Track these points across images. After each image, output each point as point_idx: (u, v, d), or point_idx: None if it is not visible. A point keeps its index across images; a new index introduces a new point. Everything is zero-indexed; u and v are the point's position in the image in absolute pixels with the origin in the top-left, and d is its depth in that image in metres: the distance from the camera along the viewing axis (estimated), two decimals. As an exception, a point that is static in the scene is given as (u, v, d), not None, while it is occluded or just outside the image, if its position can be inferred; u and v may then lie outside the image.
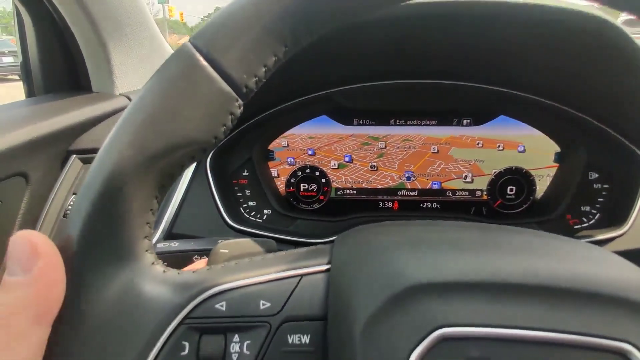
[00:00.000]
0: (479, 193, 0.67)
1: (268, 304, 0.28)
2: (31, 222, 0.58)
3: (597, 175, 0.61)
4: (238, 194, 0.66)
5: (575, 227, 0.61)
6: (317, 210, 0.70)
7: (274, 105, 0.65)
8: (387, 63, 0.61)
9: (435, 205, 0.68)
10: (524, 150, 0.65)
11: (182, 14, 22.50)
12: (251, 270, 0.29)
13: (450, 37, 0.54)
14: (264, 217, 0.66)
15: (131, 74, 0.77)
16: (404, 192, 0.68)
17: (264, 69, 0.27)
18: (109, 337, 0.25)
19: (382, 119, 0.66)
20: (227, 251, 0.35)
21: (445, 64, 0.61)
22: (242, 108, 0.28)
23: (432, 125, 0.66)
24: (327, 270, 0.29)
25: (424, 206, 0.68)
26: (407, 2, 0.28)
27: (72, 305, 0.25)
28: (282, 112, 0.65)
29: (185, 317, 0.27)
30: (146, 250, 0.28)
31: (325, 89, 0.64)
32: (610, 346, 0.23)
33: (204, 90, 0.26)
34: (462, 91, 0.64)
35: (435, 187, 0.68)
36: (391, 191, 0.68)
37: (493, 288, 0.25)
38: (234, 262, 0.30)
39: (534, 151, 0.65)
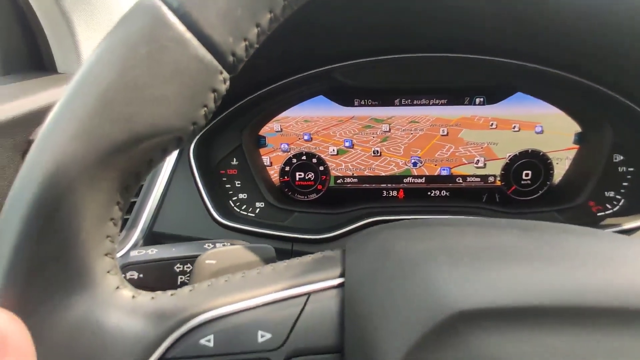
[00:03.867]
0: (491, 179, 0.62)
1: (268, 335, 0.21)
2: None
3: (622, 158, 0.56)
4: (227, 186, 0.60)
5: (599, 214, 0.56)
6: (315, 201, 0.63)
7: (264, 84, 0.57)
8: (391, 35, 0.54)
9: (444, 193, 0.62)
10: (542, 131, 0.59)
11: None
12: (245, 290, 0.23)
13: (461, 3, 0.47)
14: (257, 211, 0.60)
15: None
16: (409, 179, 0.62)
17: (256, 30, 0.20)
18: None
19: (386, 99, 0.59)
20: (214, 262, 0.29)
21: (456, 34, 0.54)
22: (227, 83, 0.21)
23: (442, 105, 0.59)
24: (340, 285, 0.23)
25: (432, 194, 0.63)
26: None
27: None
28: (274, 92, 0.58)
29: (162, 357, 0.20)
30: (108, 272, 0.21)
31: (322, 66, 0.57)
32: None
33: (175, 59, 0.19)
34: (474, 66, 0.57)
35: (444, 173, 0.62)
36: (396, 179, 0.62)
37: (566, 313, 0.19)
38: (224, 278, 0.24)
39: (553, 132, 0.59)
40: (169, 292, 0.23)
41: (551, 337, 0.18)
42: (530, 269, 0.21)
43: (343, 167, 0.62)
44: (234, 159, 0.59)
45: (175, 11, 0.19)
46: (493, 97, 0.58)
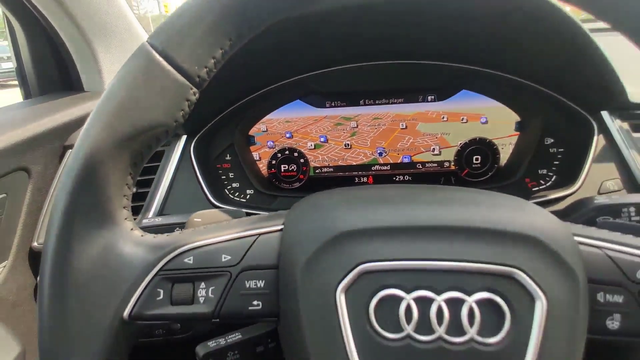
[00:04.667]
0: (447, 164, 0.72)
1: (229, 257, 0.33)
2: (35, 212, 0.64)
3: (552, 140, 0.65)
4: (222, 177, 0.72)
5: (534, 189, 0.66)
6: (298, 189, 0.75)
7: (251, 92, 0.70)
8: (354, 47, 0.65)
9: (407, 177, 0.73)
10: (487, 122, 0.69)
11: (176, 8, 22.27)
12: (216, 232, 0.34)
13: (410, 19, 0.59)
14: (247, 197, 0.72)
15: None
16: (377, 167, 0.73)
17: (213, 61, 0.32)
18: (95, 289, 0.31)
19: (352, 100, 0.71)
20: (200, 220, 0.41)
21: (408, 45, 0.65)
22: (197, 95, 0.33)
23: (400, 103, 0.70)
24: (281, 230, 0.34)
25: (397, 179, 0.73)
26: None
27: (61, 264, 0.30)
28: (259, 98, 0.70)
29: (160, 269, 0.32)
30: (125, 218, 0.33)
31: (297, 75, 0.69)
32: (501, 271, 0.28)
33: (162, 83, 0.31)
34: (426, 70, 0.68)
35: (406, 160, 0.73)
36: (365, 167, 0.73)
37: (406, 231, 0.30)
38: (203, 226, 0.36)
39: (496, 122, 0.69)
40: (166, 233, 0.35)
41: (399, 244, 0.30)
42: (393, 206, 0.32)
43: (320, 159, 0.74)
44: (228, 155, 0.71)
45: (160, 53, 0.31)
46: (442, 94, 0.69)
